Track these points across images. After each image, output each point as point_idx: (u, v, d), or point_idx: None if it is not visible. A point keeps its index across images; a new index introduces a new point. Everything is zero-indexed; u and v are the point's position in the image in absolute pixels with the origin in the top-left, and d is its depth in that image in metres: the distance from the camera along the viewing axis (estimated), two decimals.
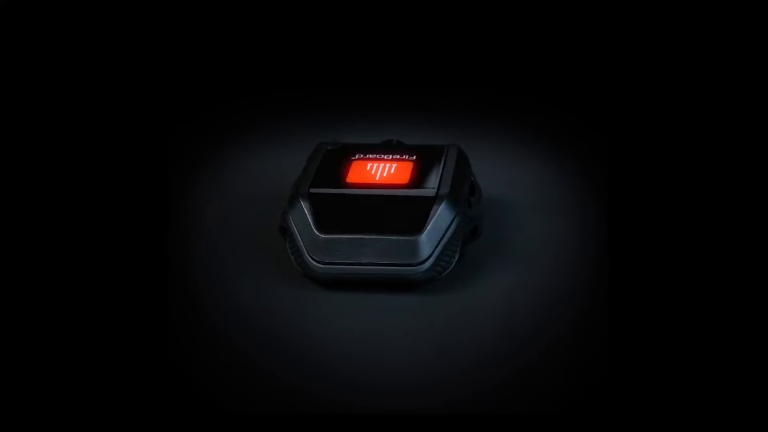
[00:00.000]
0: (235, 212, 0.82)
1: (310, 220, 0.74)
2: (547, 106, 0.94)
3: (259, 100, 0.96)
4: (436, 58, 0.98)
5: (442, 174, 0.77)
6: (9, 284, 0.72)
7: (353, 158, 0.79)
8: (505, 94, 0.91)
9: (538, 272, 0.75)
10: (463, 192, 0.76)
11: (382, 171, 0.78)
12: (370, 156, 0.79)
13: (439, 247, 0.73)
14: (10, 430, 0.64)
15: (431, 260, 0.73)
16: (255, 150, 0.90)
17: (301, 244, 0.73)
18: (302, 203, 0.75)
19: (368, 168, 0.78)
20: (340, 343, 0.69)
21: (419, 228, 0.73)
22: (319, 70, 0.98)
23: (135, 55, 0.91)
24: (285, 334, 0.70)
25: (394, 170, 0.78)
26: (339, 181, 0.77)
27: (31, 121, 0.85)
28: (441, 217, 0.74)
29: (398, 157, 0.79)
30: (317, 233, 0.73)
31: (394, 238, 0.73)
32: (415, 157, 0.79)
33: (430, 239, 0.73)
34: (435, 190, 0.75)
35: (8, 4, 0.92)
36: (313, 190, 0.76)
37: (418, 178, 0.77)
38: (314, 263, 0.73)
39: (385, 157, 0.79)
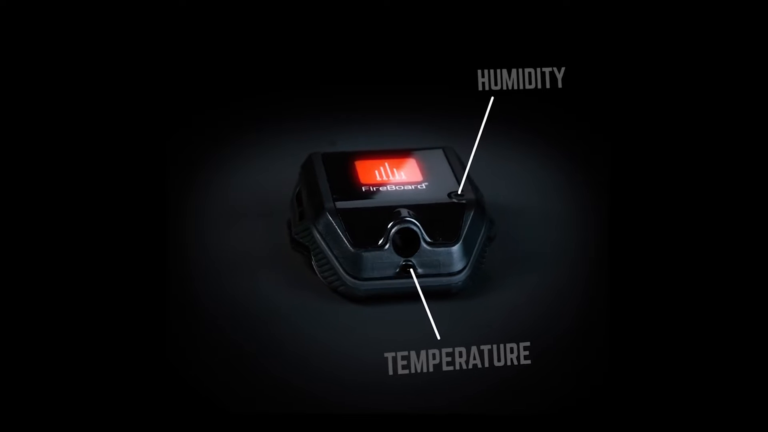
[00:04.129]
0: (234, 212, 0.82)
1: (343, 236, 0.72)
2: (547, 106, 0.94)
3: (259, 100, 0.95)
4: (434, 57, 0.98)
5: (456, 178, 0.76)
6: (9, 284, 0.72)
7: (359, 164, 0.77)
8: (505, 95, 0.90)
9: (538, 272, 0.75)
10: (483, 196, 0.75)
11: (393, 175, 0.77)
12: (376, 160, 0.78)
13: (475, 254, 0.72)
14: (10, 430, 0.64)
15: (468, 268, 0.72)
16: (255, 150, 0.90)
17: (335, 262, 0.72)
18: (332, 219, 0.72)
19: (379, 174, 0.77)
20: (339, 343, 0.69)
21: (456, 237, 0.72)
22: (320, 70, 0.98)
23: (135, 55, 0.91)
24: (284, 334, 0.70)
25: (405, 175, 0.77)
26: (359, 191, 0.75)
27: (31, 121, 0.85)
28: (474, 224, 0.73)
29: (403, 159, 0.78)
30: (353, 250, 0.71)
31: (435, 249, 0.71)
32: (418, 160, 0.78)
33: (467, 247, 0.72)
34: (462, 197, 0.74)
35: (8, 4, 0.92)
36: (339, 205, 0.73)
37: (436, 182, 0.75)
38: (353, 280, 0.71)
39: (391, 159, 0.78)
